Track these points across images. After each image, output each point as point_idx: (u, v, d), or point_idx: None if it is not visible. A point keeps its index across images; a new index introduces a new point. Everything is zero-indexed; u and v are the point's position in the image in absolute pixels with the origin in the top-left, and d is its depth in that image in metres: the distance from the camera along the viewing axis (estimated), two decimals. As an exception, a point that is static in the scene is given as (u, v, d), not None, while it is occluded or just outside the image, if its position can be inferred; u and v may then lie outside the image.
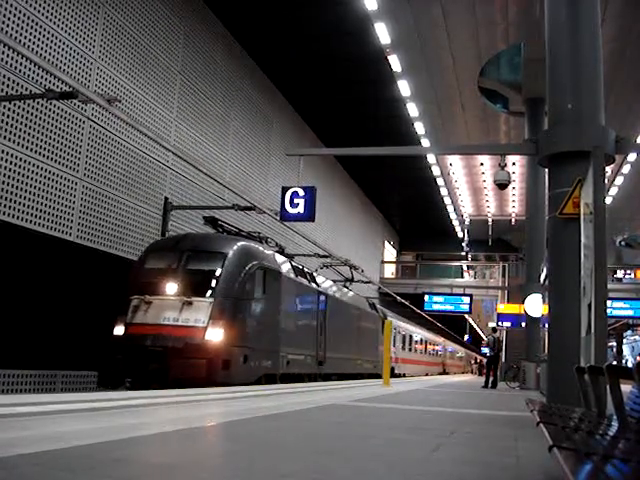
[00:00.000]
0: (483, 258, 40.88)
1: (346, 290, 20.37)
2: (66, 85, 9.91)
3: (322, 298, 16.41)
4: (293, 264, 14.66)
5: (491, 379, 17.53)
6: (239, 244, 12.07)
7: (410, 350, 31.32)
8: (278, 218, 11.57)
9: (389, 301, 33.73)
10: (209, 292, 10.88)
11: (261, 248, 12.99)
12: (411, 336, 31.65)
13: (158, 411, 5.35)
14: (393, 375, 23.25)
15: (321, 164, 24.79)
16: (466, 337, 53.52)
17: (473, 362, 55.49)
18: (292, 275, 14.08)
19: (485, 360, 22.51)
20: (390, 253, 40.84)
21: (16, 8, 10.40)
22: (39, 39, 10.93)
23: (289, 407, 6.58)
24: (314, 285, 15.96)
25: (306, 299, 15.31)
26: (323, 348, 16.13)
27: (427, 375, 33.52)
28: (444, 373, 41.52)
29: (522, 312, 19.24)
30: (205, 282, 11.09)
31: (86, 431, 3.84)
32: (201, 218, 14.41)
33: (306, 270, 15.75)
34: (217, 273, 11.15)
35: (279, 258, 13.72)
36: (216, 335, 10.43)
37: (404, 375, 28.28)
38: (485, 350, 25.55)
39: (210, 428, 4.41)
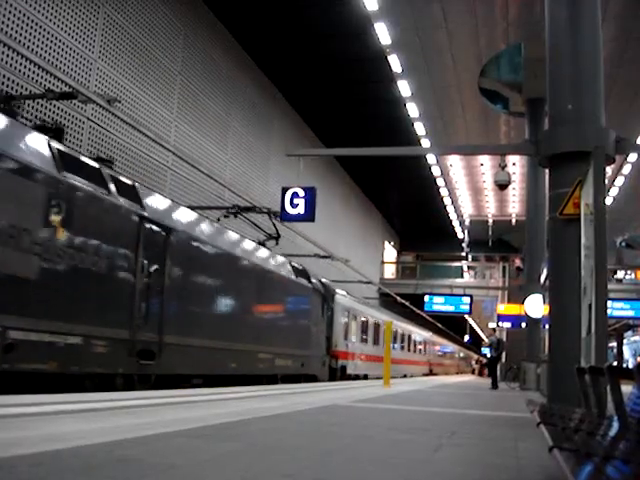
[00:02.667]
0: (483, 258, 40.88)
1: (237, 237, 12.68)
2: (66, 85, 9.93)
3: (156, 233, 9.19)
4: (65, 151, 7.69)
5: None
6: None
7: (377, 344, 23.77)
8: (278, 219, 11.56)
9: (389, 301, 33.78)
10: None
11: None
12: (378, 325, 24.27)
13: (158, 411, 5.35)
14: (343, 377, 18.72)
15: (321, 164, 24.79)
16: (466, 337, 53.60)
17: (475, 362, 55.43)
18: (50, 168, 7.16)
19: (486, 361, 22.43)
20: (390, 254, 40.84)
21: (16, 8, 10.41)
22: (39, 39, 10.93)
23: (289, 408, 6.58)
24: (129, 204, 8.65)
25: (101, 227, 8.07)
26: (155, 327, 9.02)
27: (405, 376, 27.74)
28: (431, 374, 36.19)
29: (522, 313, 19.23)
30: None
31: (87, 431, 3.84)
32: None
33: (122, 179, 8.83)
34: None
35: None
36: None
37: (365, 377, 21.39)
38: (485, 351, 25.46)
39: (211, 428, 4.41)
